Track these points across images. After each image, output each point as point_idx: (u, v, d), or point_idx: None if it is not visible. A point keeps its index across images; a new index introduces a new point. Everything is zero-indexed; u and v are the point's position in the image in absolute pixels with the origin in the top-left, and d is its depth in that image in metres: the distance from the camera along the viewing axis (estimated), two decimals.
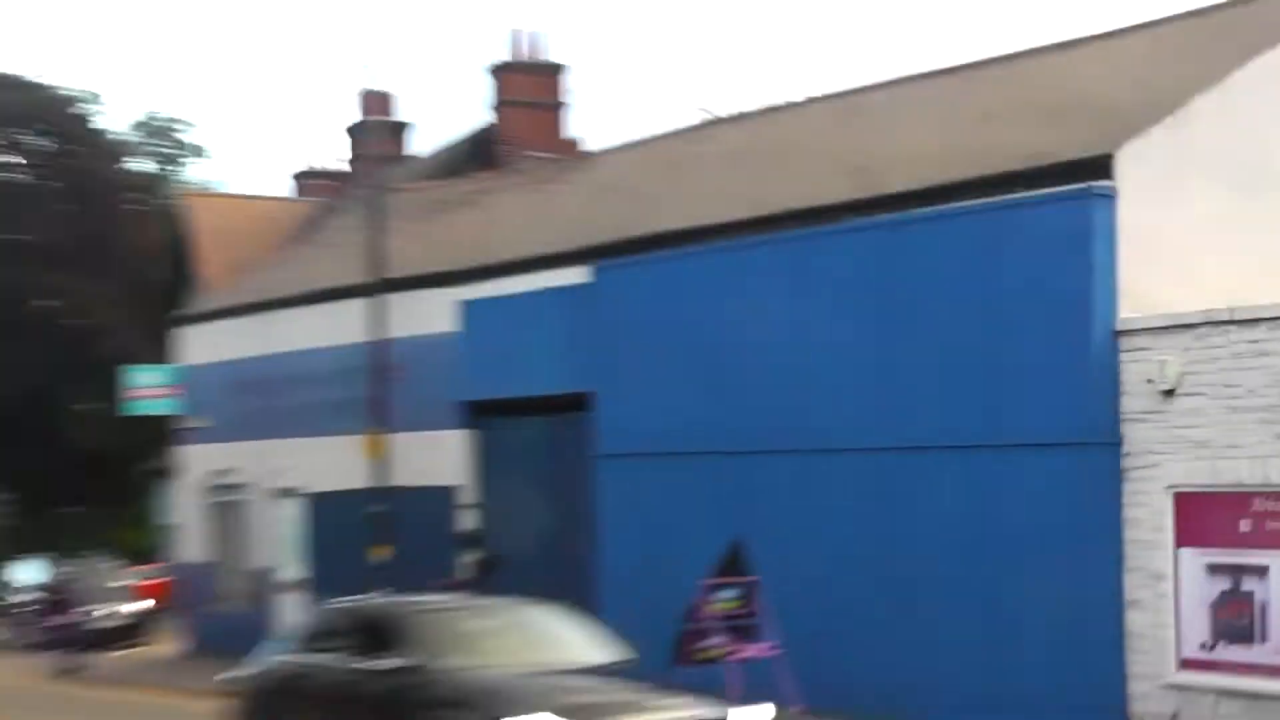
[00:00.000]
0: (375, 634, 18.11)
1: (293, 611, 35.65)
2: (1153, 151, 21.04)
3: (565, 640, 18.36)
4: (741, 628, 21.39)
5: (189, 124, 72.20)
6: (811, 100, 33.51)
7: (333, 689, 18.16)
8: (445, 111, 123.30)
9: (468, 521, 30.38)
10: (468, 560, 28.84)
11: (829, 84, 33.87)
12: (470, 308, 30.72)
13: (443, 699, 16.37)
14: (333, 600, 20.89)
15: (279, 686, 19.26)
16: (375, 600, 21.61)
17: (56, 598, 38.66)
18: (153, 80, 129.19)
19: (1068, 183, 21.06)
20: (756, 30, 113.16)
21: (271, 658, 20.15)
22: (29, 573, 44.79)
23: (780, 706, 20.02)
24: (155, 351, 43.20)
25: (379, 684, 17.22)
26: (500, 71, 40.54)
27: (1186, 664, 19.79)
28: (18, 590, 43.61)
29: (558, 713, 15.55)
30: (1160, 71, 24.10)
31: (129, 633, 40.22)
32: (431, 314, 31.39)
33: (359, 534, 31.57)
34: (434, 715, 16.43)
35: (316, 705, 18.43)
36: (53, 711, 29.50)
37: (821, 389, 23.92)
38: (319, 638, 19.58)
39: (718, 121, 36.67)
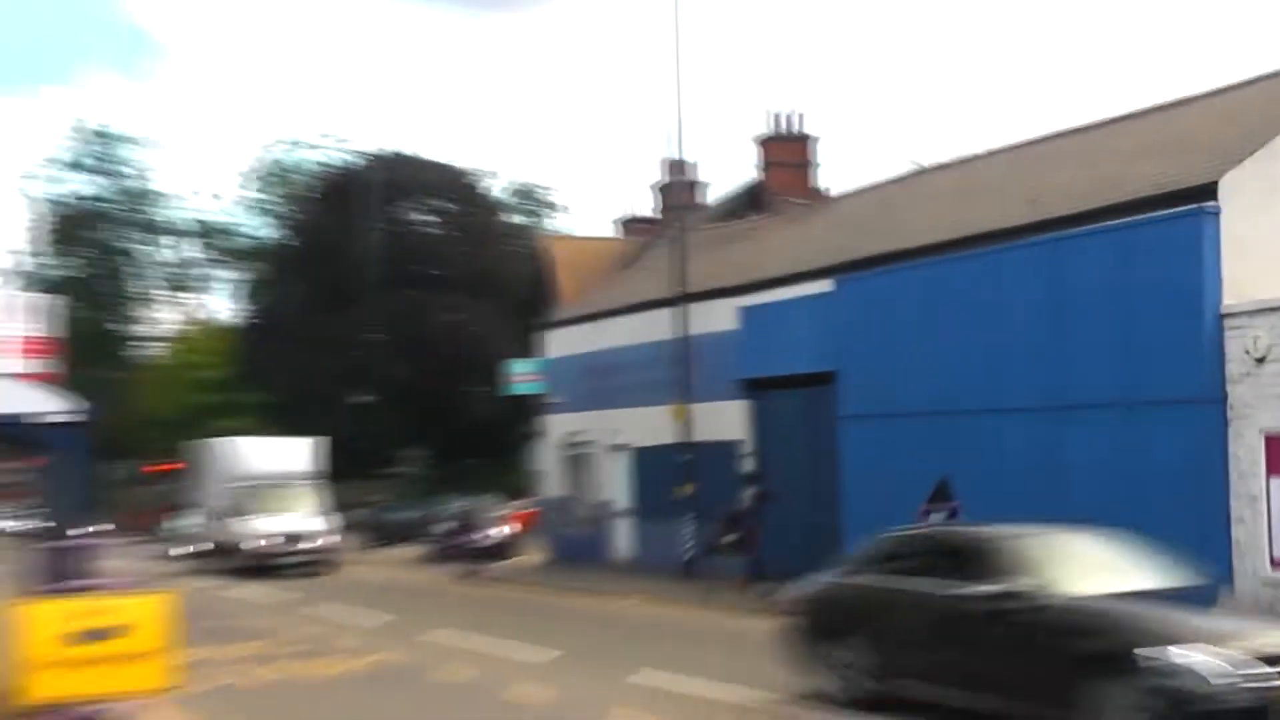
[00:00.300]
0: (960, 558, 14.79)
1: (621, 533, 37.22)
2: (1247, 178, 21.29)
3: (1138, 565, 14.49)
4: None
5: (547, 188, 75.92)
6: (993, 152, 33.69)
7: (919, 610, 14.88)
8: (726, 171, 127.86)
9: (747, 466, 30.86)
10: (747, 494, 29.46)
11: (1005, 137, 34.72)
12: (747, 311, 31.31)
13: (1065, 626, 12.96)
14: (891, 528, 17.49)
15: (842, 605, 16.16)
16: (952, 526, 20.33)
17: (459, 524, 40.72)
18: (521, 152, 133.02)
19: (1184, 204, 21.32)
20: (955, 94, 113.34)
21: (827, 579, 17.08)
22: (442, 507, 46.55)
23: None
24: (526, 349, 44.84)
25: (981, 607, 13.83)
26: (766, 141, 41.49)
27: (1275, 564, 19.97)
28: (435, 519, 45.53)
29: (1211, 642, 11.99)
30: (1251, 117, 24.06)
31: (507, 549, 41.49)
32: (719, 317, 32.22)
33: (670, 477, 32.79)
34: (1058, 642, 12.92)
35: (900, 624, 15.14)
36: (460, 601, 30.79)
37: (1004, 364, 24.24)
38: (884, 560, 16.16)
39: (925, 170, 36.98)
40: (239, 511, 40.05)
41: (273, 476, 41.14)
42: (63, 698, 12.48)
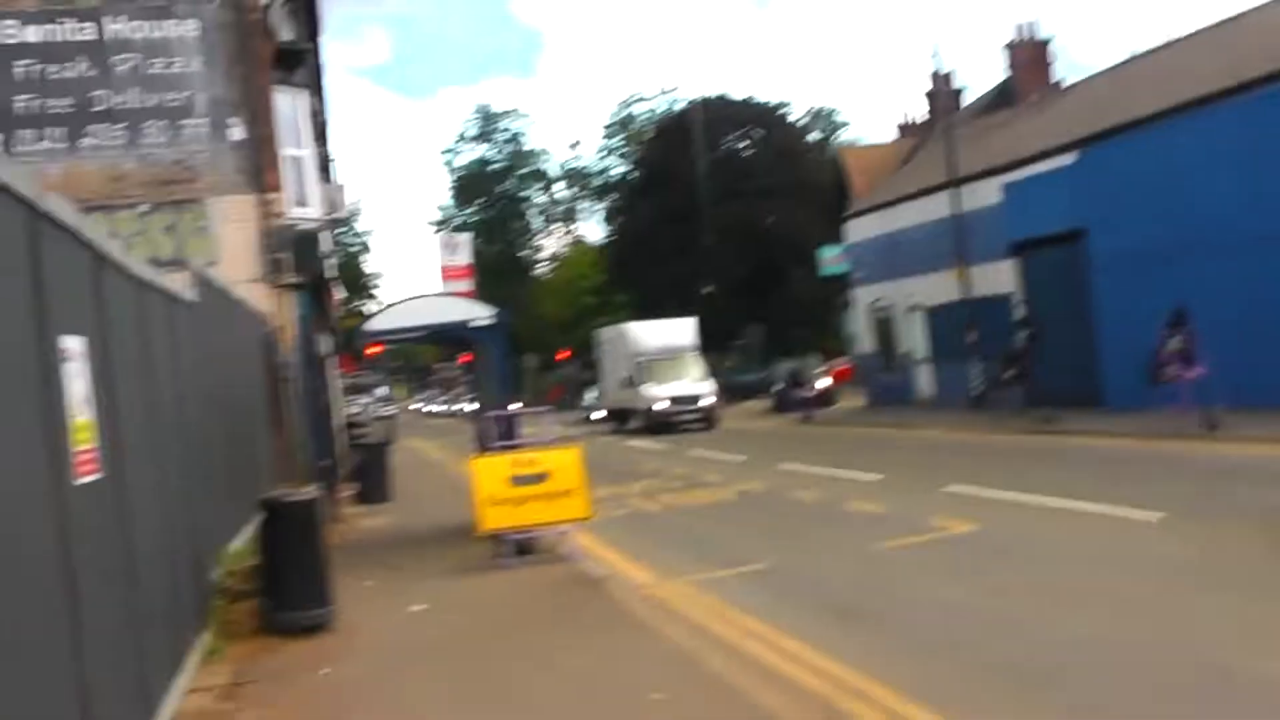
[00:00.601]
0: None
1: (922, 378, 36.81)
2: None
3: None
4: (1186, 359, 21.03)
5: (834, 109, 75.17)
6: (1196, 32, 31.73)
7: None
8: (981, 72, 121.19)
9: (1019, 313, 30.10)
10: (1021, 336, 28.88)
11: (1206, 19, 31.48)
12: (1009, 186, 30.52)
13: None
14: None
15: None
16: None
17: (791, 381, 41.01)
18: (810, 72, 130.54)
19: None
20: None
21: None
22: (777, 369, 46.93)
23: (1208, 406, 19.98)
24: (834, 238, 44.68)
25: None
26: (1011, 47, 39.72)
27: None
28: (772, 379, 46.19)
29: None
30: None
31: (830, 397, 41.55)
32: (988, 194, 31.42)
33: (957, 327, 32.38)
34: None
35: None
36: (799, 440, 30.45)
37: (1219, 208, 23.29)
38: None
39: (1141, 55, 34.77)
40: (641, 381, 39.11)
41: (665, 351, 39.83)
42: (510, 526, 13.24)
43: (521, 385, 61.33)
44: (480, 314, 16.95)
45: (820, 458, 23.27)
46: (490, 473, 13.24)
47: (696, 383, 38.89)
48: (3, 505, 4.32)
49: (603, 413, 44.92)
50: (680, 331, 40.90)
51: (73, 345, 5.63)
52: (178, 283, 9.82)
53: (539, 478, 13.27)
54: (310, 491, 11.31)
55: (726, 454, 26.87)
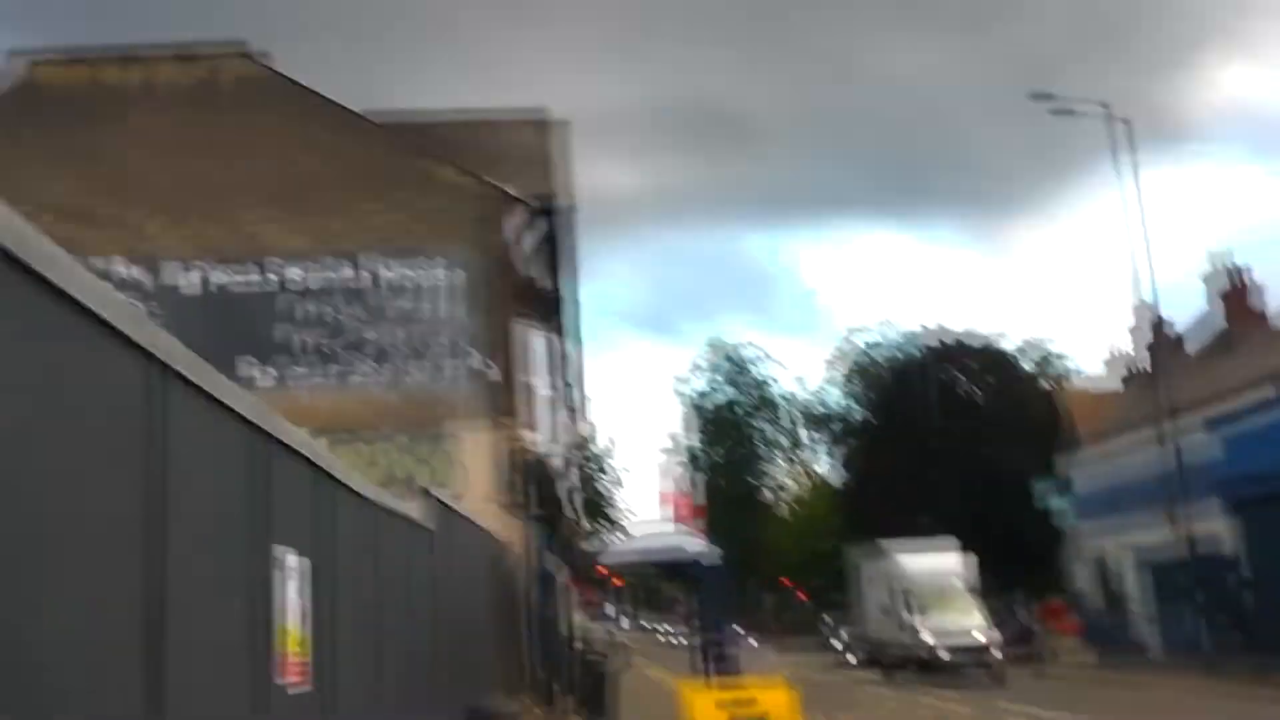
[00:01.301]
0: None
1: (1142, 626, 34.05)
2: None
3: None
4: None
5: (1048, 339, 74.98)
6: None
7: None
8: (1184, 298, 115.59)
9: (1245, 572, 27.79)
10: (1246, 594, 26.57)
11: None
12: (1224, 430, 28.63)
13: None
14: None
15: None
16: None
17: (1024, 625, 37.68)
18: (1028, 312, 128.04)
19: None
20: None
21: None
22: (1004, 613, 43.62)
23: None
24: (1052, 473, 42.73)
25: None
26: (1225, 295, 37.43)
27: None
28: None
29: None
30: None
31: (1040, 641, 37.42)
32: (1209, 440, 29.38)
33: (1179, 579, 30.02)
34: None
35: None
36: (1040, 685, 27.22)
37: None
38: None
39: None
40: (908, 613, 31.97)
41: (933, 580, 32.59)
42: None
43: (750, 617, 60.14)
44: (702, 549, 16.82)
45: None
46: (701, 703, 12.74)
47: (972, 621, 31.16)
48: (208, 712, 4.25)
49: (851, 650, 39.12)
50: (949, 559, 34.04)
51: (297, 563, 5.65)
52: (415, 506, 9.96)
53: (749, 707, 12.68)
54: (513, 705, 11.06)
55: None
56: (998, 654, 29.82)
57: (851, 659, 39.86)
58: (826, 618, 47.46)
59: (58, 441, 3.23)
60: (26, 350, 3.07)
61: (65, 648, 3.26)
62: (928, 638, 30.57)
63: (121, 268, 18.36)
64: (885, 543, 35.11)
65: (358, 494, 7.30)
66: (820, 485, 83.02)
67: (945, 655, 29.87)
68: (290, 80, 19.71)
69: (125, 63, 19.43)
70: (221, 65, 19.48)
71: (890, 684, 30.12)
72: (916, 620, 31.39)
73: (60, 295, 3.21)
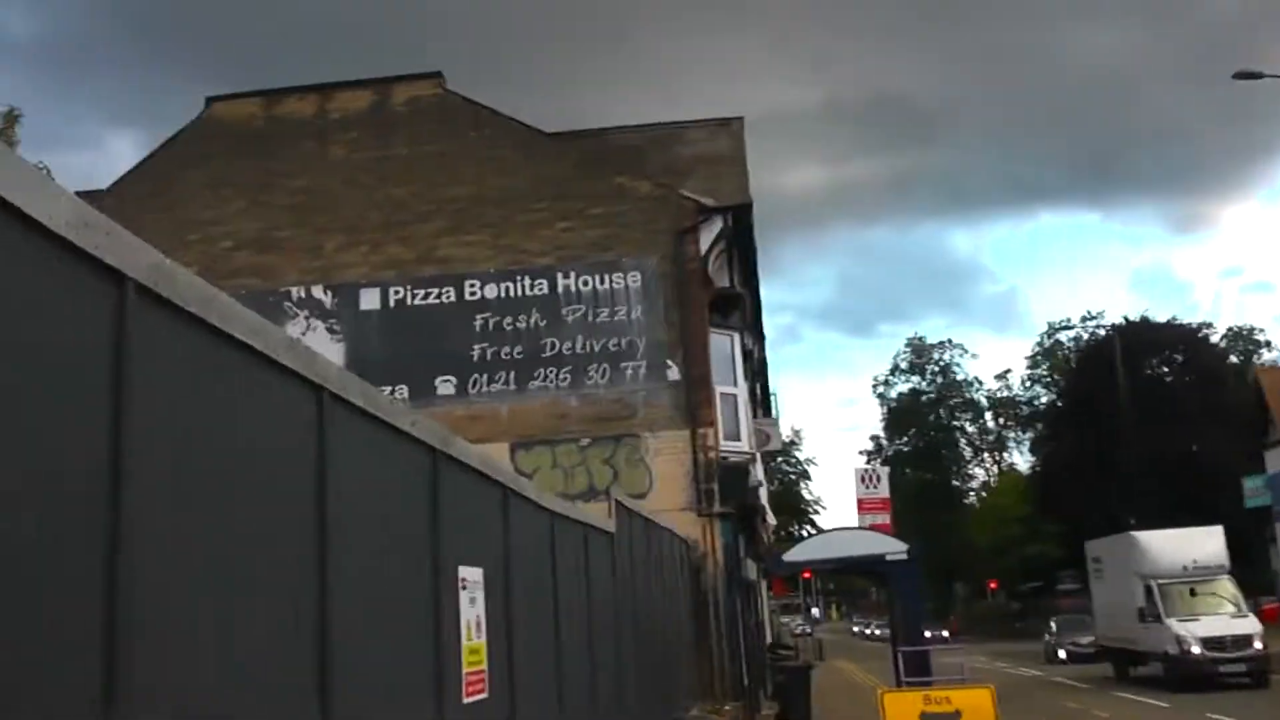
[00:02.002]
0: None
1: None
2: None
3: None
4: None
5: (1259, 329, 71.25)
6: None
7: None
8: None
9: None
10: None
11: None
12: None
13: None
14: None
15: None
16: None
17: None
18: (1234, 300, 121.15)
19: None
20: None
21: None
22: None
23: None
24: (1257, 465, 40.29)
25: None
26: None
27: None
28: None
29: None
30: None
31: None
32: None
33: None
34: None
35: None
36: None
37: None
38: None
39: None
40: (1158, 613, 27.08)
41: (1193, 571, 27.79)
42: None
43: (948, 614, 58.58)
44: (894, 548, 16.42)
45: None
46: (900, 708, 12.41)
47: (1238, 618, 26.84)
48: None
49: (1088, 650, 35.05)
50: (1209, 544, 28.94)
51: (471, 574, 5.67)
52: (599, 513, 9.98)
53: (951, 716, 12.28)
54: (726, 712, 10.94)
55: None
56: (1258, 652, 25.57)
57: (1063, 654, 37.58)
58: (1053, 620, 44.72)
59: (235, 477, 3.32)
60: (205, 389, 3.20)
61: (247, 677, 3.35)
62: (1183, 634, 26.24)
63: (301, 291, 19.07)
64: (1134, 535, 30.47)
65: (534, 503, 7.31)
66: (1010, 473, 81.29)
67: (1199, 652, 25.71)
68: (471, 101, 20.12)
69: (303, 93, 20.18)
70: (401, 89, 20.04)
71: (1124, 687, 27.61)
72: (1166, 618, 26.87)
73: (237, 344, 3.35)
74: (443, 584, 5.22)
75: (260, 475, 3.51)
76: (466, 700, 5.45)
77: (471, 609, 5.65)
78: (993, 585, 69.91)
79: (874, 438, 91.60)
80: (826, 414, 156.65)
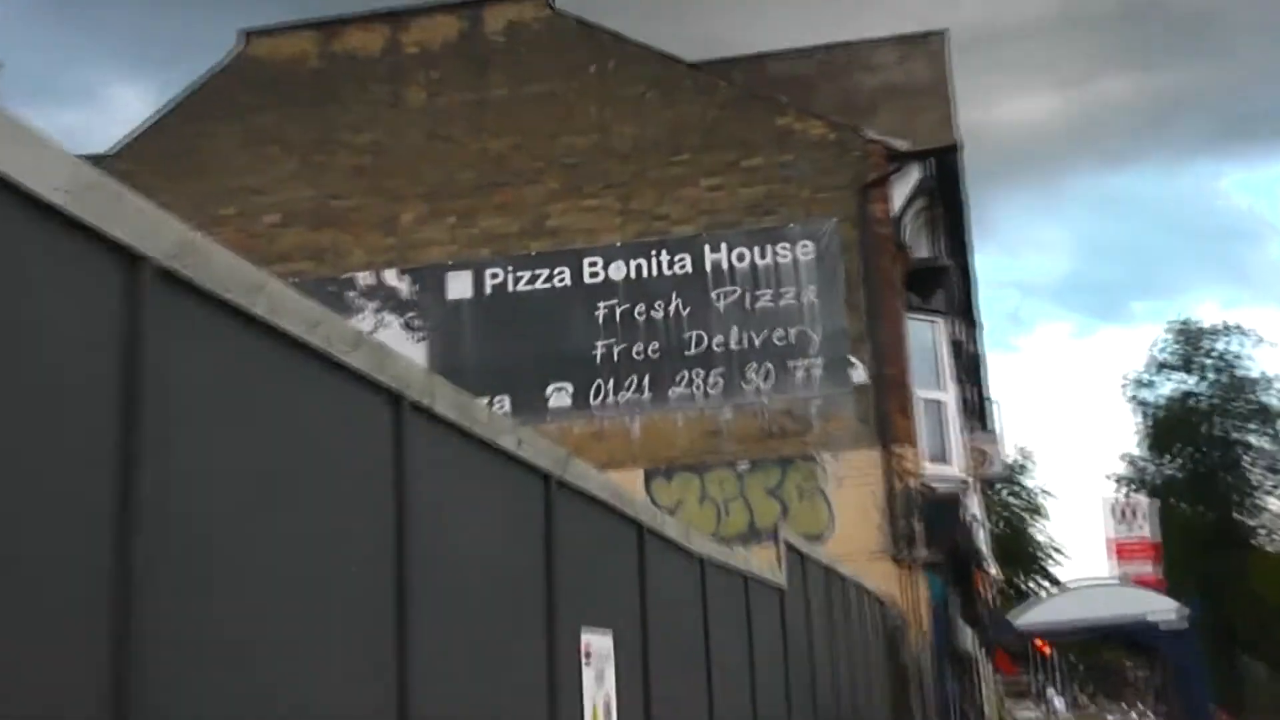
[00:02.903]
0: None
1: None
2: None
3: None
4: None
5: None
6: None
7: None
8: None
9: None
10: None
11: None
12: None
13: None
14: None
15: None
16: None
17: None
18: None
19: None
20: None
21: None
22: None
23: None
24: None
25: None
26: None
27: None
28: None
29: None
30: None
31: None
32: None
33: None
34: None
35: None
36: None
37: None
38: None
39: None
40: None
41: None
42: None
43: (1240, 699, 56.53)
44: (1164, 608, 16.04)
45: None
46: None
47: None
48: None
49: None
50: None
51: (598, 641, 5.64)
52: (763, 560, 9.90)
53: None
54: None
55: None
56: None
57: None
58: None
59: (284, 513, 3.36)
60: (243, 404, 3.22)
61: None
62: None
63: (369, 276, 19.34)
64: None
65: (679, 546, 7.26)
66: None
67: None
68: (588, 24, 20.19)
69: (369, 22, 20.47)
70: (496, 12, 20.22)
71: None
72: None
73: (290, 341, 3.38)
74: (560, 652, 5.20)
75: (318, 513, 3.50)
76: None
77: (599, 687, 5.63)
78: None
79: (1127, 457, 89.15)
80: (1063, 427, 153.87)
